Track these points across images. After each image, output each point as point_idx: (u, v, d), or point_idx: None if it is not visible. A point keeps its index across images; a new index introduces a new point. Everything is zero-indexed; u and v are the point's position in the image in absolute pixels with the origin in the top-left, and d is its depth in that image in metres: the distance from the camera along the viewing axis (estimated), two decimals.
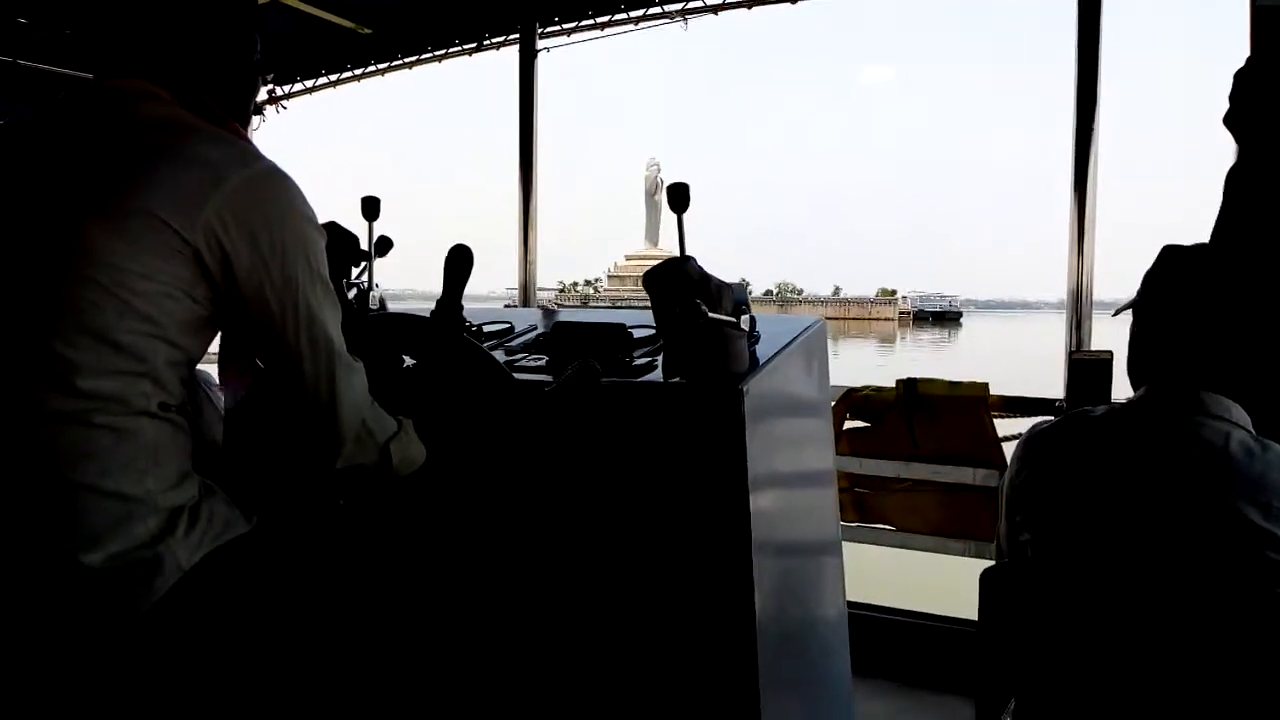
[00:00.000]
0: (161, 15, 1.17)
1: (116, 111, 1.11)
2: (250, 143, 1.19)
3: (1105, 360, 1.73)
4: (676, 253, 1.32)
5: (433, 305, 1.45)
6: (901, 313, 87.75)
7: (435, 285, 1.49)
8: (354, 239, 1.56)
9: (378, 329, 1.41)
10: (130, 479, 1.03)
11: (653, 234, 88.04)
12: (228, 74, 1.22)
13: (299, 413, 1.14)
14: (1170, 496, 1.16)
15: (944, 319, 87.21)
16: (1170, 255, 1.28)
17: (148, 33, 1.16)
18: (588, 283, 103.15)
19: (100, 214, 1.02)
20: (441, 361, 1.40)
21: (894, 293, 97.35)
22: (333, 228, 1.47)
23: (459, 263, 1.45)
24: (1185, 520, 1.14)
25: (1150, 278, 1.29)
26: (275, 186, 1.12)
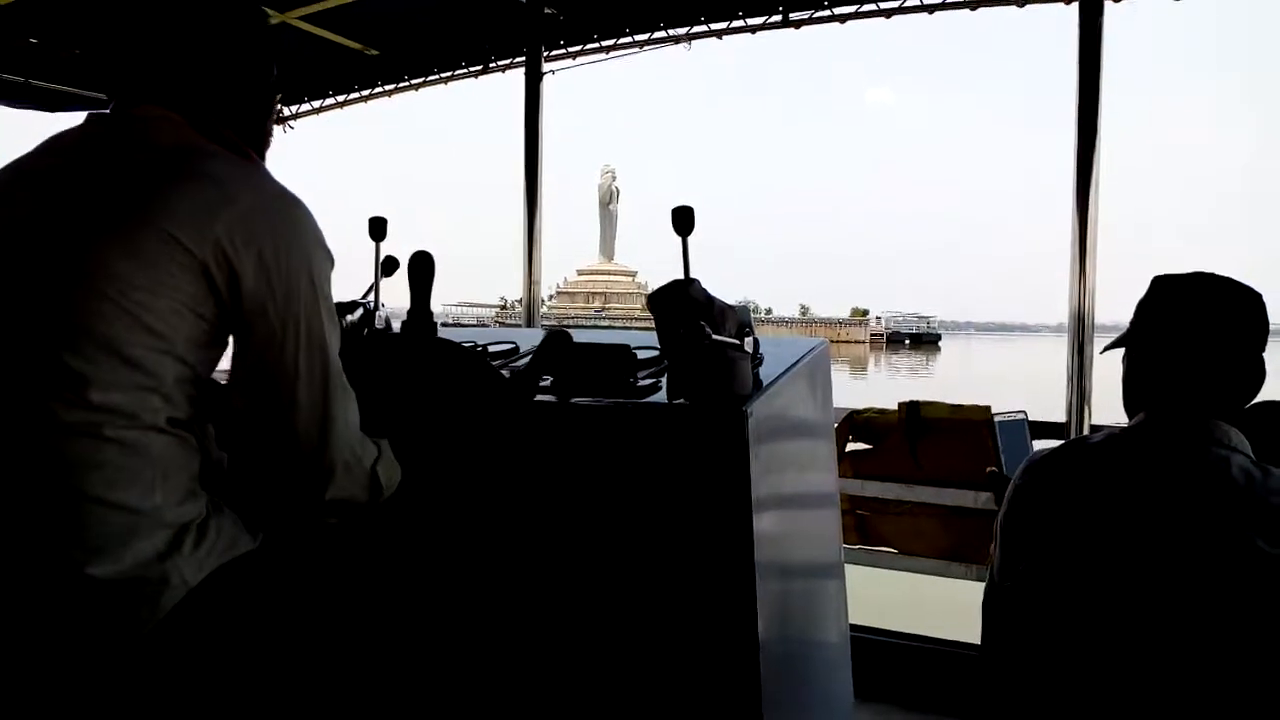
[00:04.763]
0: (178, 44, 1.19)
1: (134, 136, 1.13)
2: (262, 166, 1.22)
3: (1020, 420, 1.76)
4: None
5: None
6: (874, 335, 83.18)
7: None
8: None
9: (358, 353, 1.42)
10: (137, 492, 1.04)
11: (607, 247, 77.42)
12: (243, 101, 1.24)
13: (288, 441, 1.13)
14: (1173, 521, 1.16)
15: (921, 341, 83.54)
16: (1163, 284, 1.28)
17: (165, 61, 1.18)
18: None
19: (114, 231, 1.04)
20: (425, 367, 1.42)
21: (866, 313, 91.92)
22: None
23: (422, 269, 1.47)
24: (1188, 544, 1.14)
25: (1144, 307, 1.29)
26: (285, 208, 1.14)
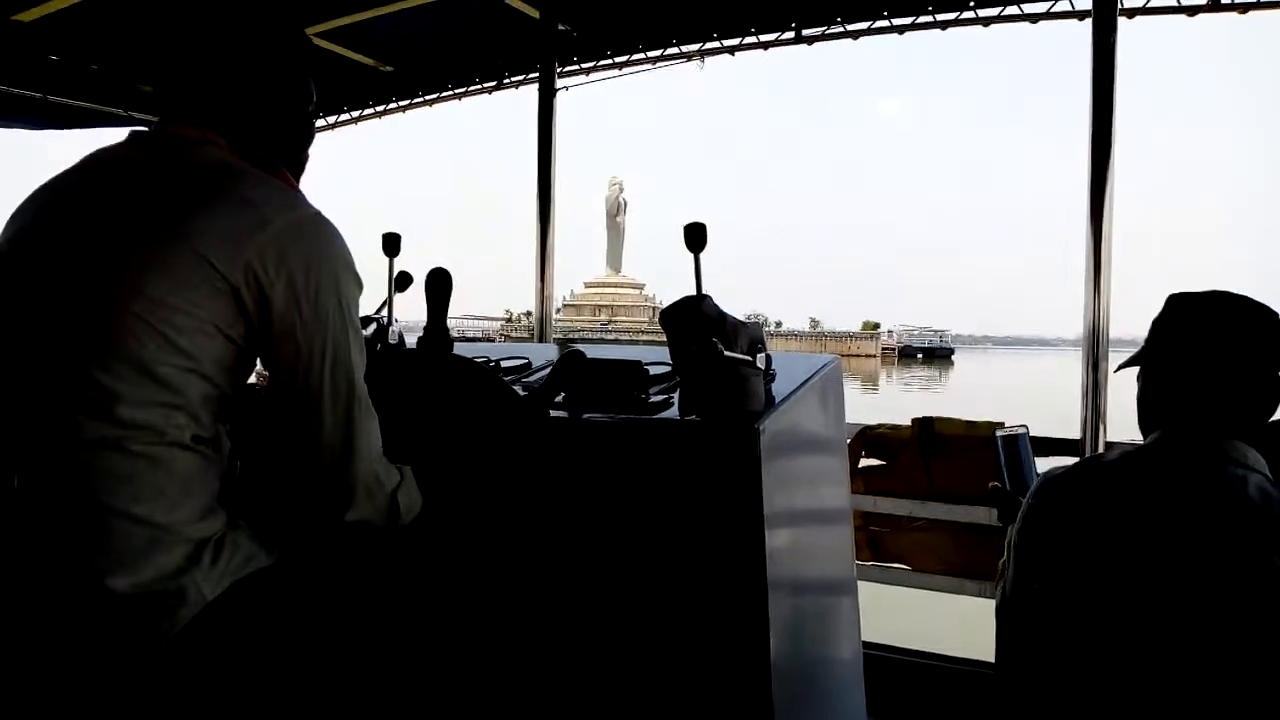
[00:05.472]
0: (221, 68, 1.21)
1: (174, 155, 1.15)
2: (298, 190, 1.23)
3: (1021, 435, 1.76)
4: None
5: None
6: (885, 348, 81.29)
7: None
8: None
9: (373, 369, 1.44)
10: (161, 507, 1.05)
11: (614, 259, 75.43)
12: (282, 124, 1.26)
13: (312, 462, 1.15)
14: (1189, 540, 1.15)
15: (933, 356, 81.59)
16: (1178, 303, 1.28)
17: (208, 83, 1.20)
18: None
19: (149, 251, 1.06)
20: (440, 383, 1.43)
21: (877, 327, 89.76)
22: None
23: (440, 285, 1.49)
24: (1205, 563, 1.14)
25: (1159, 325, 1.29)
26: (317, 232, 1.15)
